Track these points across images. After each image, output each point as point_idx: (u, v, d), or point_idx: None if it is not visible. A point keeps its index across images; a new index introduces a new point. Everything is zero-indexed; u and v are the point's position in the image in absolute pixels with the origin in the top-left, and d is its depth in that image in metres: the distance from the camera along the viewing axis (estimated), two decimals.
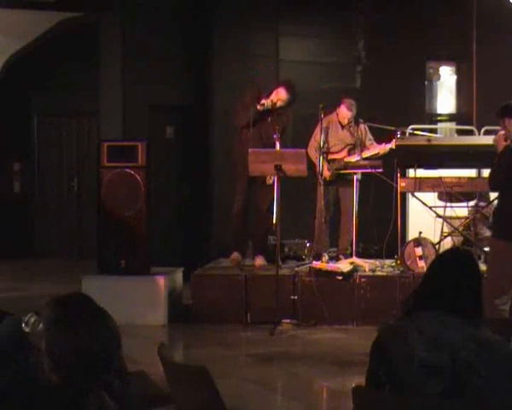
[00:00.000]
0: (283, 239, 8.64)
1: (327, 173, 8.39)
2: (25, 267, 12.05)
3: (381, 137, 8.70)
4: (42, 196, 13.11)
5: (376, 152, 8.45)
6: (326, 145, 8.44)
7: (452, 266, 2.84)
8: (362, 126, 8.63)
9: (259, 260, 8.45)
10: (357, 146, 8.55)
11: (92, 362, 2.19)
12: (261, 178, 8.22)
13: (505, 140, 5.97)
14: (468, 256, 2.94)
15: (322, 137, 8.23)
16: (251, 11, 10.76)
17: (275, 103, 8.22)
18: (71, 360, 2.18)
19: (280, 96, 8.23)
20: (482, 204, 8.53)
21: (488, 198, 8.40)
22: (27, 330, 2.41)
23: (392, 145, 8.23)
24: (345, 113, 8.49)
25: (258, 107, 8.12)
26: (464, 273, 2.82)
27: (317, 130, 8.36)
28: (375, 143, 8.59)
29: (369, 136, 8.66)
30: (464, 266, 2.85)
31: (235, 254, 8.53)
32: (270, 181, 8.09)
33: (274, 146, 7.93)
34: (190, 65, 11.01)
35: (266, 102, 8.16)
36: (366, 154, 8.46)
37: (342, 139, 8.59)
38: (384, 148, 8.37)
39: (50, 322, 2.23)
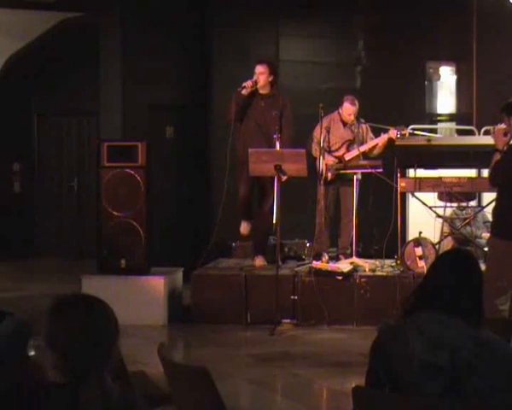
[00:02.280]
0: (283, 239, 8.63)
1: (327, 174, 8.40)
2: (25, 267, 12.05)
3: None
4: (42, 196, 13.11)
5: (375, 143, 8.45)
6: (327, 144, 8.45)
7: (453, 266, 2.84)
8: (363, 126, 8.63)
9: (259, 261, 8.45)
10: (356, 142, 8.55)
11: (95, 345, 2.23)
12: (264, 177, 8.18)
13: (505, 135, 5.97)
14: (469, 256, 2.94)
15: (322, 136, 8.23)
16: (251, 11, 10.77)
17: (256, 81, 8.15)
18: (74, 346, 2.22)
19: (257, 71, 8.19)
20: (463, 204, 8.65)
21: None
22: (32, 353, 2.46)
23: (390, 134, 8.22)
24: (349, 108, 8.48)
25: (243, 91, 8.08)
26: (465, 273, 2.82)
27: (317, 128, 8.35)
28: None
29: (371, 134, 8.67)
30: (465, 266, 2.85)
31: (244, 225, 8.44)
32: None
33: (273, 134, 7.91)
34: (190, 65, 11.02)
35: (247, 84, 8.11)
36: (365, 147, 8.45)
37: (343, 137, 8.59)
38: (383, 138, 8.36)
39: (51, 315, 2.27)
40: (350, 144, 8.56)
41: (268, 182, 8.17)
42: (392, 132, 8.23)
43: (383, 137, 8.37)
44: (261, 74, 8.19)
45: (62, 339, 2.23)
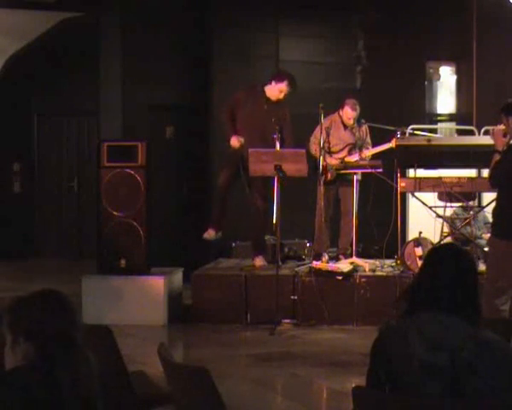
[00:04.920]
0: (283, 239, 8.63)
1: (327, 174, 8.39)
2: (25, 267, 12.05)
3: (380, 137, 8.71)
4: (42, 196, 13.11)
5: (376, 152, 8.47)
6: (327, 145, 8.45)
7: (448, 262, 2.82)
8: (363, 128, 8.63)
9: (259, 261, 8.43)
10: (357, 146, 8.56)
11: (62, 328, 2.41)
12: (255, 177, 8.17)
13: (504, 136, 5.98)
14: (463, 252, 2.94)
15: (322, 137, 8.23)
16: (251, 11, 10.77)
17: (280, 98, 8.20)
18: (45, 334, 2.39)
19: (283, 89, 8.15)
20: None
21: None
22: None
23: (391, 144, 8.22)
24: (350, 113, 8.49)
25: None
26: (460, 270, 2.80)
27: (318, 128, 8.35)
28: (370, 148, 8.62)
29: (368, 139, 8.68)
30: (460, 262, 2.83)
31: (210, 231, 8.39)
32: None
33: (269, 136, 7.93)
34: (190, 65, 11.01)
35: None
36: (366, 153, 8.47)
37: (343, 139, 8.59)
38: (385, 146, 8.37)
39: (23, 306, 2.45)
40: (352, 148, 8.56)
41: (259, 181, 8.16)
42: (395, 142, 8.23)
43: (385, 146, 8.34)
44: (282, 92, 8.18)
45: (37, 328, 2.38)
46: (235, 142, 8.10)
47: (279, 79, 8.21)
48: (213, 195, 8.50)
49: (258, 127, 8.13)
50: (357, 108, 8.50)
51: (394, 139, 8.16)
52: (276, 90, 8.19)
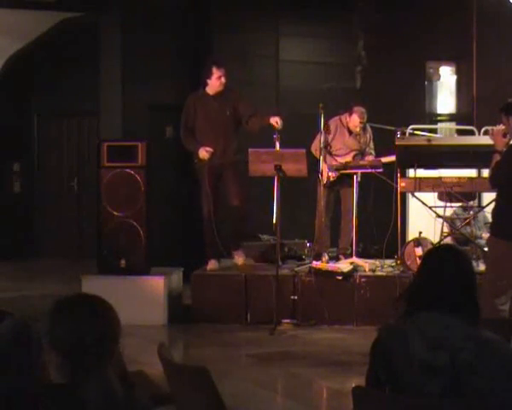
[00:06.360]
0: (283, 239, 8.63)
1: (330, 175, 8.38)
2: (25, 267, 12.05)
3: (381, 138, 8.72)
4: (42, 196, 13.11)
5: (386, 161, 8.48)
6: (329, 147, 8.43)
7: (447, 263, 2.82)
8: (368, 134, 8.64)
9: (239, 258, 8.30)
10: (362, 152, 8.58)
11: (97, 345, 2.27)
12: (229, 171, 8.12)
13: (504, 136, 5.98)
14: (462, 253, 2.94)
15: (323, 138, 8.22)
16: (251, 11, 10.77)
17: (224, 83, 8.15)
18: (77, 346, 2.25)
19: (222, 73, 8.11)
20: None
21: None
22: None
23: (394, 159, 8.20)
24: (357, 122, 8.48)
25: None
26: (459, 270, 2.81)
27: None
28: (373, 154, 8.60)
29: (372, 144, 8.68)
30: (458, 262, 2.83)
31: (213, 262, 8.32)
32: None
33: (231, 130, 8.03)
34: (190, 65, 11.01)
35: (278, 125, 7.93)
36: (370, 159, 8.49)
37: (348, 145, 8.58)
38: (388, 158, 8.37)
39: (53, 316, 2.31)
40: (356, 155, 8.56)
41: (229, 175, 8.13)
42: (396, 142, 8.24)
43: (390, 158, 8.32)
44: (220, 77, 8.13)
45: (65, 339, 2.26)
46: (203, 153, 8.06)
47: (209, 72, 8.13)
48: (202, 229, 8.45)
49: (218, 128, 8.10)
50: (365, 116, 8.50)
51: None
52: (214, 81, 8.13)
